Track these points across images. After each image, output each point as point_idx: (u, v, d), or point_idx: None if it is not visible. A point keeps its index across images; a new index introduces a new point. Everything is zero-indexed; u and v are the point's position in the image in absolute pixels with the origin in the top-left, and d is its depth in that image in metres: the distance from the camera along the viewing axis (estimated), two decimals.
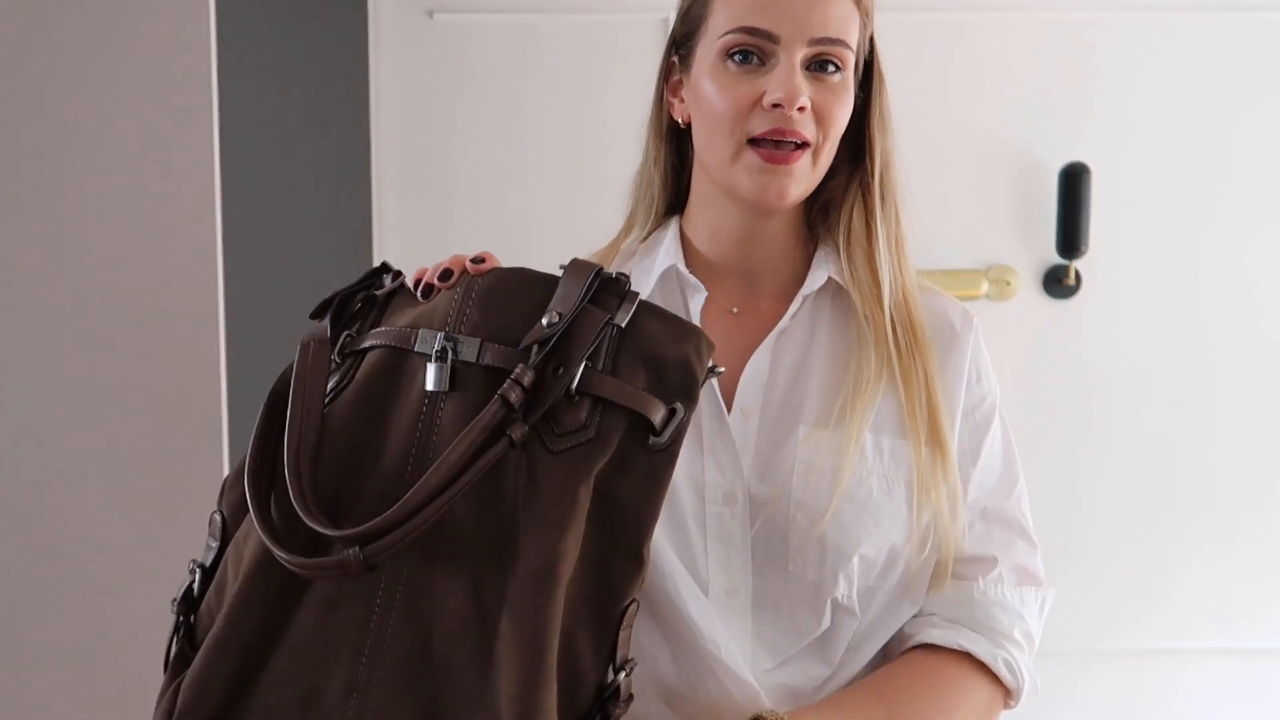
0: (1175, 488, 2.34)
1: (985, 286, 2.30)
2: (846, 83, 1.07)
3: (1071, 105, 2.30)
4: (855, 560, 1.04)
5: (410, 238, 2.30)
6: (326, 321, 0.97)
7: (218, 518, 0.97)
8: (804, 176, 1.06)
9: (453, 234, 2.30)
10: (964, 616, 1.09)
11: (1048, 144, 2.29)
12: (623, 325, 0.90)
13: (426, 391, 0.90)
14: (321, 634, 0.87)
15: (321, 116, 2.22)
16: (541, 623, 0.84)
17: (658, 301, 1.13)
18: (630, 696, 0.89)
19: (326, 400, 0.92)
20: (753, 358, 1.09)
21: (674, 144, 1.16)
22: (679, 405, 0.90)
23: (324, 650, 0.87)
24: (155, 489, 1.69)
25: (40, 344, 1.67)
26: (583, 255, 1.22)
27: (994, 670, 1.07)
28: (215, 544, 0.97)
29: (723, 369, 0.94)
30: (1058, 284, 2.32)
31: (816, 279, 1.11)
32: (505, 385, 0.87)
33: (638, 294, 0.91)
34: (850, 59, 1.06)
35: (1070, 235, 2.26)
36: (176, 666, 0.95)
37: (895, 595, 1.08)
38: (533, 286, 0.93)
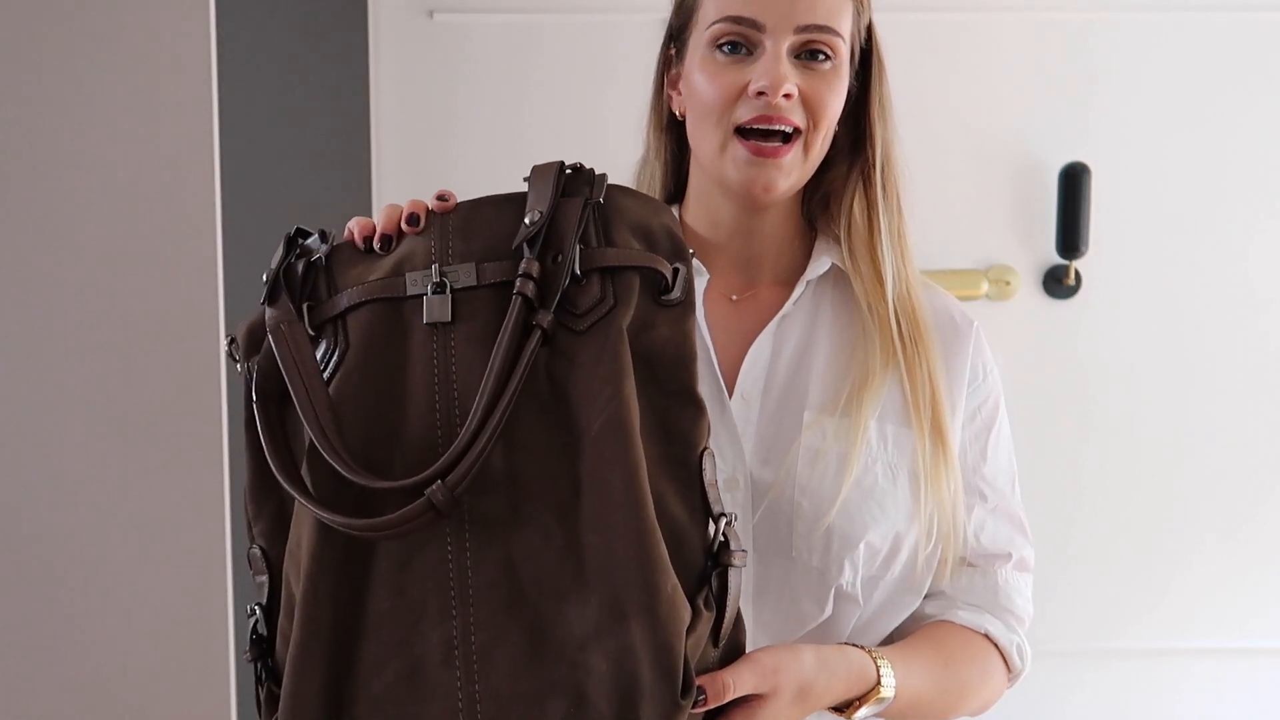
0: (1176, 487, 2.34)
1: (985, 286, 2.30)
2: (838, 71, 1.06)
3: (1071, 105, 2.30)
4: (861, 547, 1.04)
5: None
6: (286, 302, 0.93)
7: (256, 551, 0.94)
8: (793, 169, 1.06)
9: None
10: (987, 601, 1.13)
11: (1048, 144, 2.29)
12: (601, 200, 0.91)
13: (432, 327, 0.89)
14: (401, 600, 0.85)
15: (321, 116, 2.22)
16: (628, 471, 0.83)
17: None
18: (742, 549, 0.88)
19: (324, 375, 0.91)
20: (755, 343, 1.09)
21: (674, 136, 1.16)
22: (679, 265, 0.91)
23: (410, 616, 0.84)
24: (155, 489, 1.69)
25: (40, 344, 1.67)
26: None
27: (1008, 655, 1.12)
28: (264, 577, 0.93)
29: (693, 250, 0.95)
30: (1058, 284, 2.32)
31: (820, 264, 1.11)
32: (518, 282, 0.86)
33: (605, 175, 0.92)
34: (841, 47, 1.06)
35: (1070, 235, 2.26)
36: (269, 710, 0.91)
37: (898, 586, 1.08)
38: (505, 206, 0.93)
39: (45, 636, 1.69)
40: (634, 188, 1.19)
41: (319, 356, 0.91)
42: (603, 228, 0.91)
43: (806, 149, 1.06)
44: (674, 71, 1.14)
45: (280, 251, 0.95)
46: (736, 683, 0.89)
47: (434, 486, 0.82)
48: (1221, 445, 2.34)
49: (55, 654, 1.69)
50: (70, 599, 1.69)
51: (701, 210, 1.14)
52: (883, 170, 1.11)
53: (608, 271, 0.89)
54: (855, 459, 1.04)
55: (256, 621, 0.92)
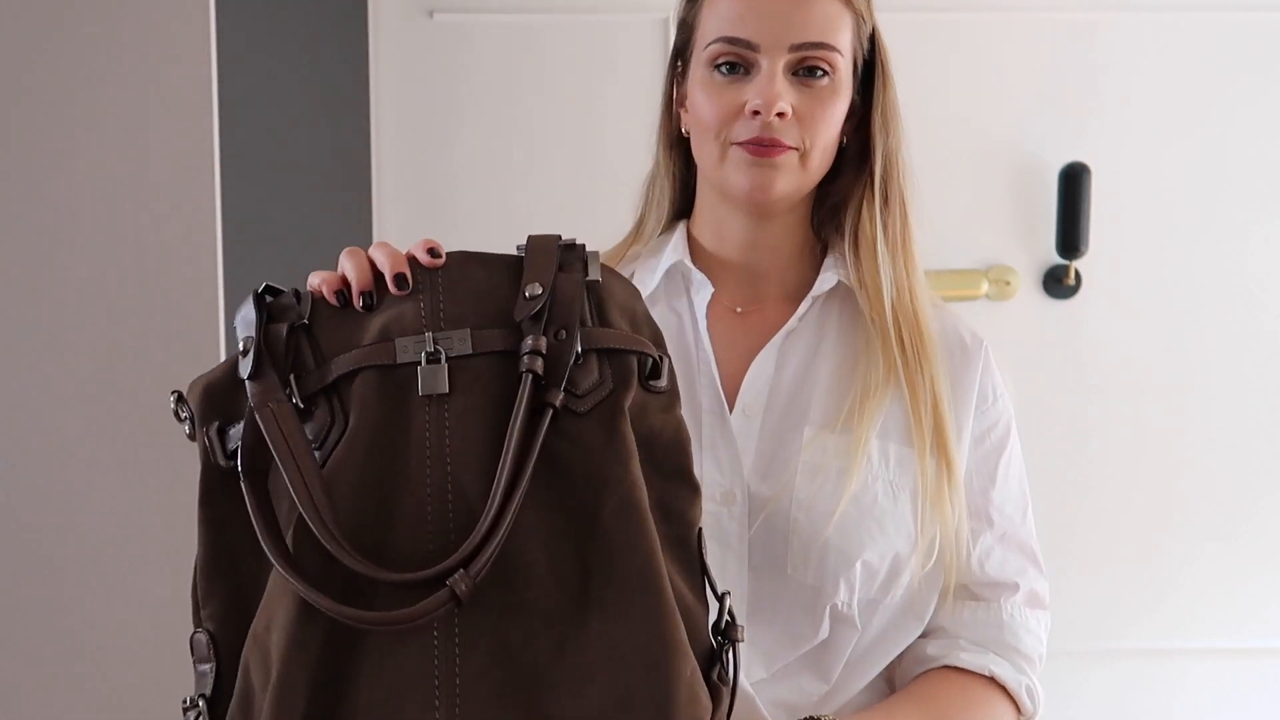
0: (1176, 487, 2.34)
1: (985, 286, 2.30)
2: (836, 86, 1.06)
3: (1071, 105, 2.30)
4: (858, 566, 1.03)
5: (410, 238, 2.30)
6: (272, 375, 0.86)
7: (203, 636, 0.86)
8: (791, 172, 1.05)
9: (453, 234, 2.30)
10: (991, 638, 1.09)
11: (1048, 144, 2.29)
12: (598, 279, 0.89)
13: (425, 399, 0.84)
14: (383, 690, 0.80)
15: (321, 116, 2.22)
16: (646, 555, 0.81)
17: (662, 297, 1.13)
18: (740, 625, 0.88)
19: (317, 448, 0.85)
20: (757, 358, 1.09)
21: (682, 152, 1.16)
22: (662, 354, 0.90)
23: (391, 706, 0.80)
24: (155, 489, 1.68)
25: (39, 343, 1.67)
26: None
27: (1017, 698, 1.09)
28: (209, 665, 0.86)
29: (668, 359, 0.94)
30: (1058, 284, 2.32)
31: (826, 281, 1.11)
32: (525, 359, 0.83)
33: (597, 252, 0.90)
34: (840, 61, 1.05)
35: (1070, 235, 2.26)
36: None
37: (898, 612, 1.07)
38: (495, 266, 0.90)
39: (45, 636, 1.69)
40: (642, 204, 1.20)
41: (315, 430, 0.85)
42: (596, 308, 0.89)
43: (804, 160, 1.06)
44: (681, 90, 1.14)
45: (251, 313, 0.88)
46: None
47: (457, 576, 0.78)
48: (1221, 445, 2.34)
49: (55, 654, 1.69)
50: (70, 599, 1.69)
51: (709, 224, 1.14)
52: (884, 180, 1.10)
53: (605, 353, 0.87)
54: (854, 475, 1.03)
55: (200, 715, 0.85)
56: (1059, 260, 2.30)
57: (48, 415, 1.68)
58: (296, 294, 0.91)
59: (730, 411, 1.07)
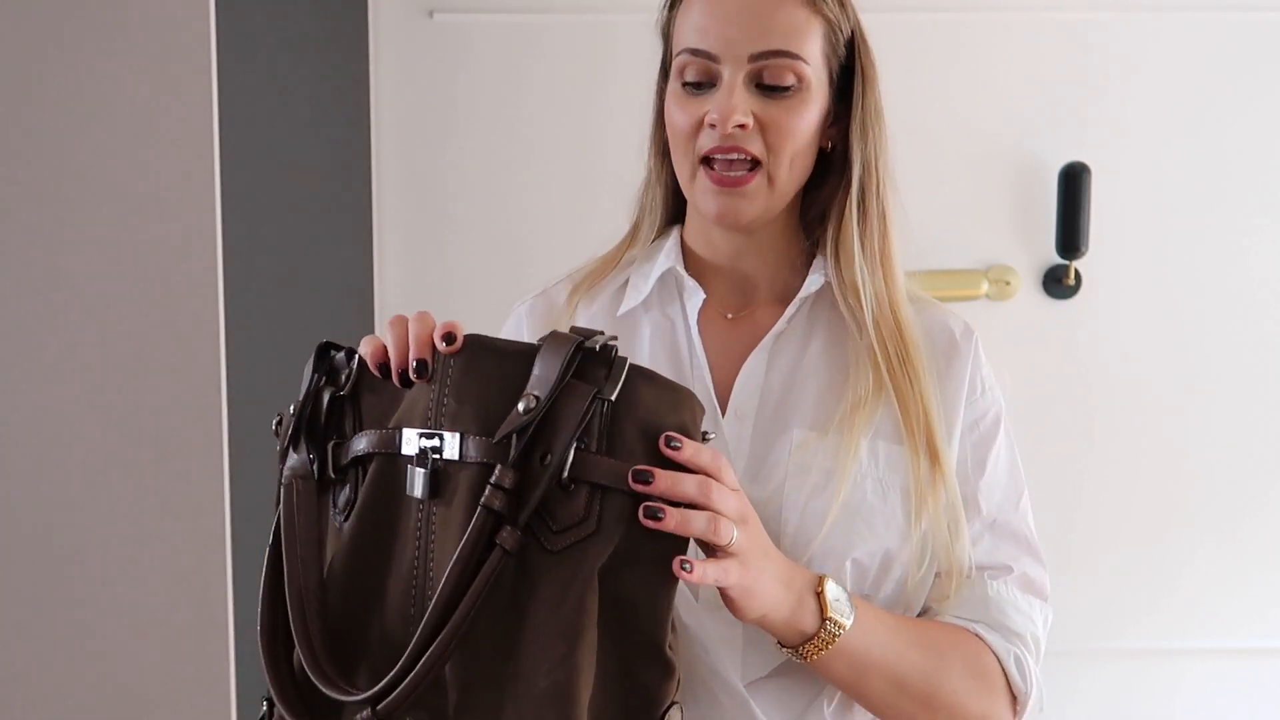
0: (1176, 487, 2.34)
1: (985, 286, 2.30)
2: (803, 95, 1.05)
3: (1071, 105, 2.30)
4: (848, 565, 1.03)
5: (410, 238, 2.30)
6: (305, 454, 0.86)
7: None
8: (759, 196, 1.06)
9: (453, 234, 2.30)
10: (979, 614, 1.08)
11: (1048, 144, 2.29)
12: (613, 399, 0.81)
13: (417, 501, 0.82)
14: None
15: (321, 116, 2.22)
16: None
17: (656, 303, 1.14)
18: None
19: (342, 520, 0.86)
20: (748, 362, 1.09)
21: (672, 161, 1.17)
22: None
23: None
24: (155, 489, 1.69)
25: (40, 343, 1.67)
26: (583, 260, 1.23)
27: (1005, 666, 1.06)
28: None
29: (714, 434, 0.90)
30: (1058, 284, 2.32)
31: (813, 283, 1.11)
32: (486, 493, 0.78)
33: (626, 360, 0.83)
34: (806, 70, 1.04)
35: (1070, 235, 2.26)
36: None
37: (890, 607, 1.06)
38: (508, 361, 0.84)
39: (45, 636, 1.69)
40: (636, 209, 1.19)
41: (345, 499, 0.86)
42: (609, 423, 0.81)
43: (770, 177, 1.05)
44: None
45: (310, 372, 0.88)
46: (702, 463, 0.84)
47: (362, 716, 0.77)
48: (1221, 445, 2.34)
49: (55, 654, 1.69)
50: (70, 599, 1.69)
51: (698, 232, 1.15)
52: (861, 189, 1.09)
53: (599, 487, 0.80)
54: (844, 477, 1.03)
55: None
56: (1059, 260, 2.30)
57: (48, 416, 1.68)
58: (350, 353, 0.90)
59: (723, 415, 1.07)
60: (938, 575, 1.08)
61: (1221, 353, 2.33)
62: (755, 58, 1.03)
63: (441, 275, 2.30)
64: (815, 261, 1.12)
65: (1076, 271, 2.31)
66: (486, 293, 2.29)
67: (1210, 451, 2.34)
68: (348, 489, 0.86)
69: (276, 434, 0.90)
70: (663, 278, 1.14)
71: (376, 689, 0.78)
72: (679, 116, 1.06)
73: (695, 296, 1.12)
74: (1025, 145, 2.30)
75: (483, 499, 0.78)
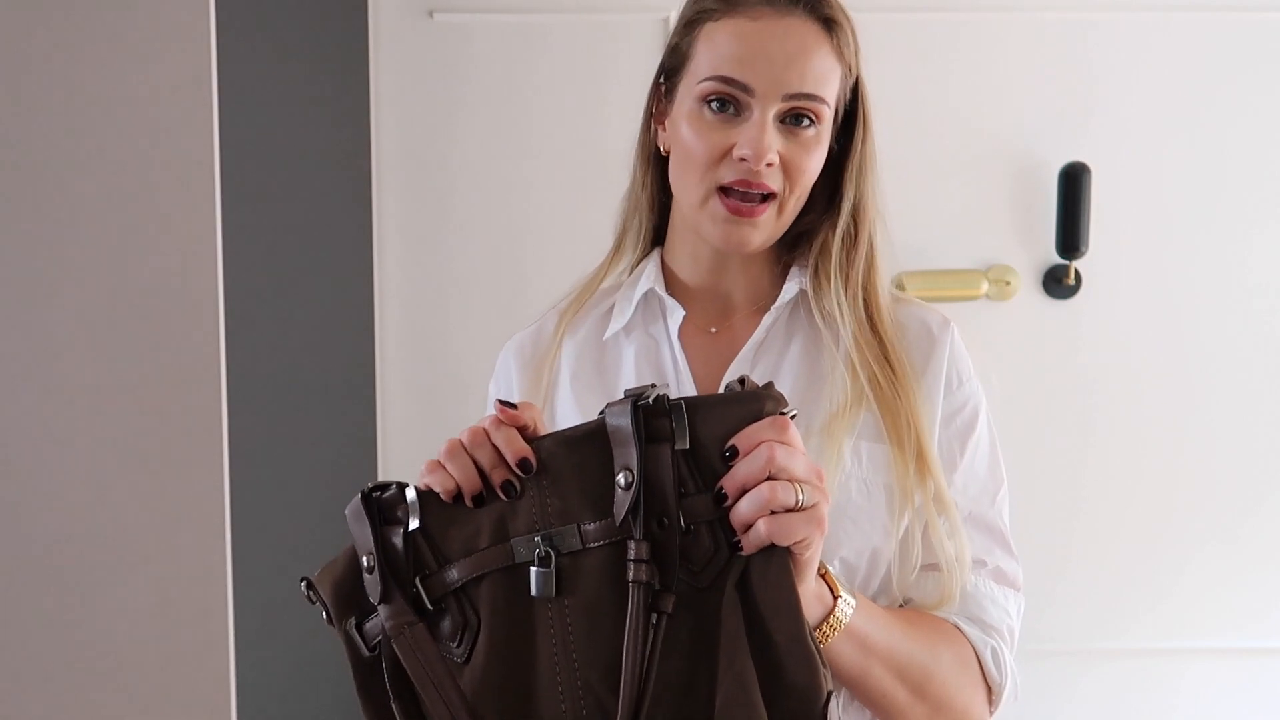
0: (1176, 487, 2.34)
1: (985, 286, 2.30)
2: (820, 136, 1.08)
3: (1071, 105, 2.30)
4: (836, 563, 1.05)
5: (410, 238, 2.30)
6: (400, 600, 0.88)
7: None
8: (767, 226, 1.09)
9: (453, 234, 2.30)
10: (955, 607, 1.09)
11: (1048, 144, 2.29)
12: (688, 447, 0.86)
13: (545, 602, 0.86)
14: None
15: (321, 116, 2.22)
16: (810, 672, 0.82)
17: (639, 324, 1.18)
18: None
19: (457, 647, 0.88)
20: (729, 371, 1.12)
21: (659, 171, 1.19)
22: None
23: None
24: (155, 489, 1.69)
25: (40, 344, 1.67)
26: (575, 266, 1.26)
27: (981, 657, 1.08)
28: None
29: (795, 411, 0.91)
30: (1058, 284, 2.32)
31: (789, 290, 1.14)
32: (631, 568, 0.84)
33: (681, 404, 0.86)
34: (826, 113, 1.08)
35: (1070, 235, 2.26)
36: None
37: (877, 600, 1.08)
38: (583, 446, 0.88)
39: (45, 636, 1.69)
40: (620, 222, 1.22)
41: (451, 629, 0.88)
42: (693, 464, 0.86)
43: (781, 208, 1.09)
44: (662, 108, 1.16)
45: (363, 524, 0.89)
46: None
47: None
48: (1222, 445, 2.34)
49: (55, 654, 1.69)
50: (70, 599, 1.69)
51: (681, 248, 1.17)
52: (853, 224, 1.13)
53: (710, 522, 0.85)
54: (829, 478, 1.04)
55: None
56: (1059, 260, 2.31)
57: (48, 416, 1.68)
58: (400, 488, 0.91)
59: None
60: (933, 569, 1.08)
61: (1221, 352, 2.33)
62: (790, 97, 1.05)
63: (441, 275, 2.30)
64: (792, 271, 1.15)
65: (1076, 271, 2.31)
66: (486, 293, 2.29)
67: (1210, 451, 2.34)
68: (449, 619, 0.88)
69: (311, 601, 0.92)
70: (645, 299, 1.18)
71: None
72: (699, 142, 1.07)
73: (676, 314, 1.16)
74: (1025, 145, 2.30)
75: (630, 577, 0.83)
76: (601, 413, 0.88)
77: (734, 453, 0.85)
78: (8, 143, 1.66)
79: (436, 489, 0.89)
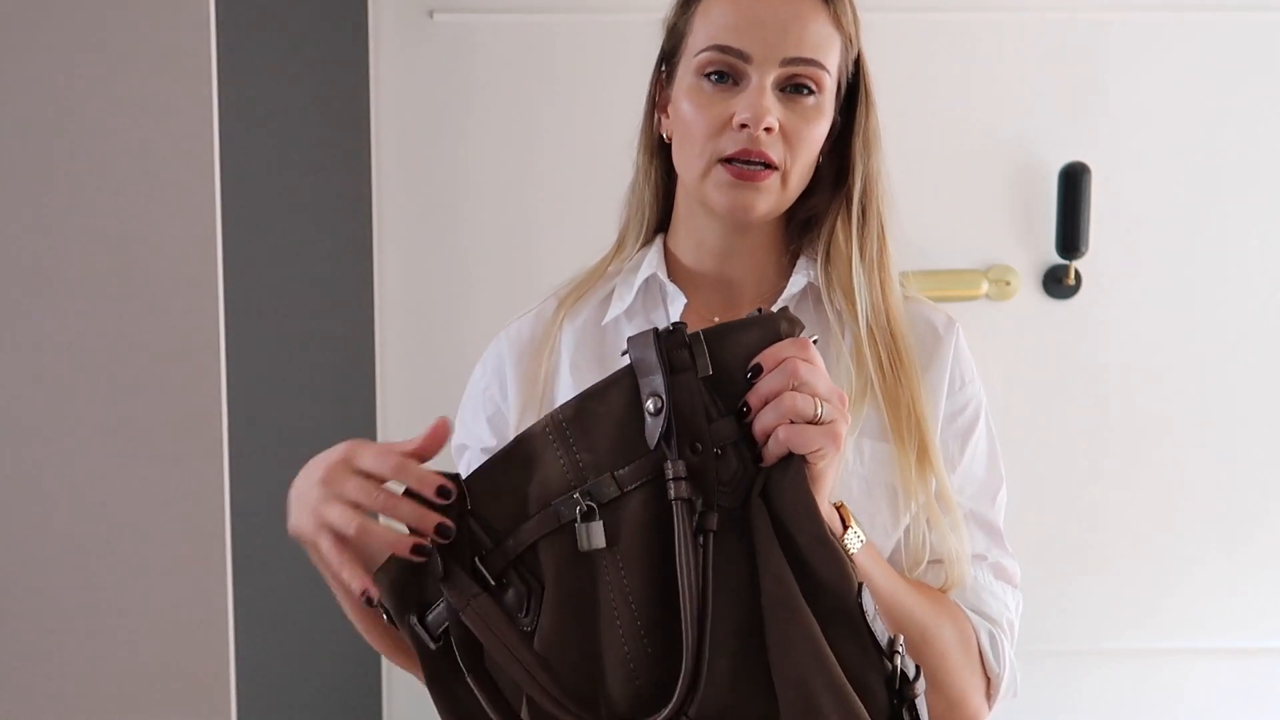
0: (1178, 487, 2.34)
1: (985, 286, 2.30)
2: (821, 105, 1.07)
3: (1071, 105, 2.30)
4: None
5: (410, 238, 2.30)
6: (462, 576, 0.89)
7: None
8: (772, 194, 1.07)
9: (453, 234, 2.30)
10: (956, 599, 1.09)
11: (1048, 144, 2.29)
12: (710, 373, 0.87)
13: (599, 555, 0.87)
14: None
15: (321, 116, 2.22)
16: (805, 653, 0.83)
17: (640, 310, 1.16)
18: (918, 672, 0.87)
19: (524, 615, 0.88)
20: None
21: (662, 160, 1.18)
22: None
23: None
24: (155, 489, 1.69)
25: (39, 343, 1.67)
26: (578, 263, 1.25)
27: (980, 643, 1.08)
28: None
29: (817, 335, 0.92)
30: (1058, 284, 2.32)
31: (796, 284, 1.13)
32: (672, 490, 0.85)
33: (699, 334, 0.88)
34: (827, 81, 1.07)
35: (1070, 235, 2.26)
36: None
37: None
38: (605, 396, 0.89)
39: (45, 636, 1.69)
40: (623, 214, 1.21)
41: (516, 599, 0.89)
42: (715, 388, 0.88)
43: (784, 179, 1.07)
44: (664, 95, 1.15)
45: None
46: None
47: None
48: (1223, 445, 2.34)
49: (55, 654, 1.69)
50: (70, 599, 1.69)
51: (687, 232, 1.16)
52: (862, 201, 1.11)
53: (735, 443, 0.88)
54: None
55: None
56: (1059, 260, 2.31)
57: (47, 415, 1.68)
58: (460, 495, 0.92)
59: None
60: (936, 563, 1.09)
61: (1222, 352, 2.33)
62: (787, 62, 1.05)
63: (441, 276, 2.30)
64: (800, 263, 1.14)
65: (1076, 271, 2.31)
66: (485, 293, 2.29)
67: (1212, 451, 2.34)
68: (512, 590, 0.89)
69: (369, 602, 0.91)
70: (646, 285, 1.16)
71: (676, 701, 0.83)
72: (698, 114, 1.07)
73: (677, 301, 1.14)
74: (1025, 145, 2.30)
75: (671, 495, 0.85)
76: (624, 353, 0.89)
77: (757, 371, 0.86)
78: (8, 143, 1.66)
79: (403, 552, 0.88)
